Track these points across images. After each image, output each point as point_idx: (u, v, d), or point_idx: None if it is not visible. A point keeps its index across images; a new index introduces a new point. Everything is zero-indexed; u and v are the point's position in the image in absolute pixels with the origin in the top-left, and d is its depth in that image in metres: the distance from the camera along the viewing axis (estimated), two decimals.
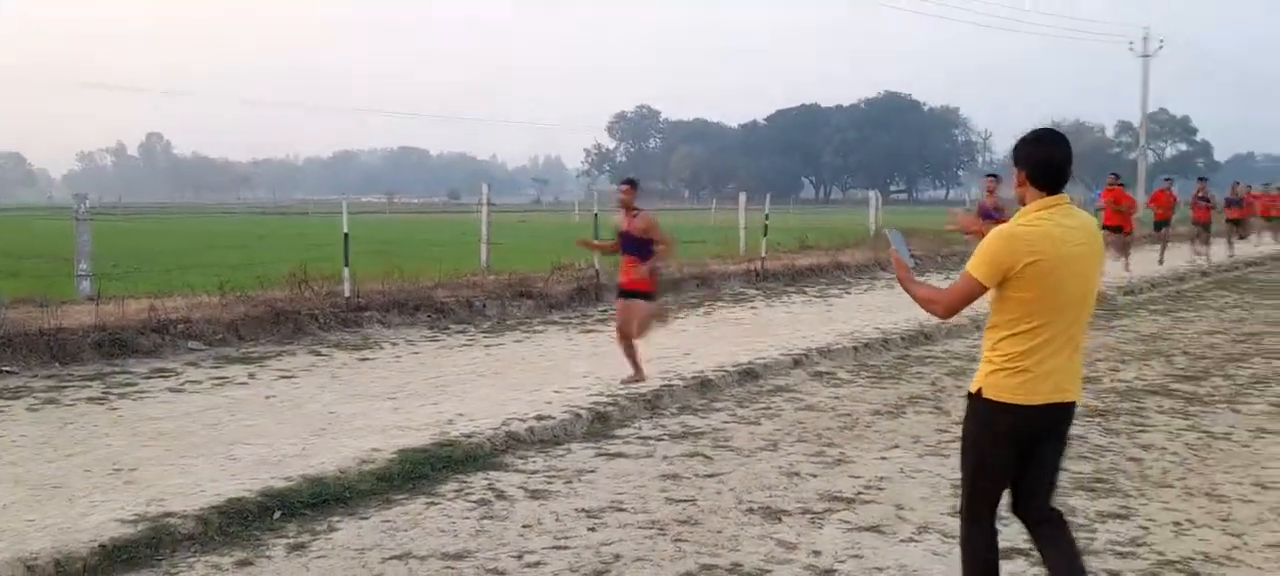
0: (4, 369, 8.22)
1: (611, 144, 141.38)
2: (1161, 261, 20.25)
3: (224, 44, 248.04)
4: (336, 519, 5.20)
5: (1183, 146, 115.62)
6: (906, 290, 3.51)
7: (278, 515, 5.20)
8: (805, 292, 15.17)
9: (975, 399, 3.38)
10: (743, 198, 19.37)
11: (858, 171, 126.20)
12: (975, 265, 3.25)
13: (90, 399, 7.50)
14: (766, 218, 16.97)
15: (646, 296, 8.22)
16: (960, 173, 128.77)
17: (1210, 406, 7.70)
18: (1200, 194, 21.83)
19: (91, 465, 5.79)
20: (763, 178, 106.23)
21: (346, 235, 11.14)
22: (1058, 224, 3.23)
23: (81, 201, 11.57)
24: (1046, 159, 3.27)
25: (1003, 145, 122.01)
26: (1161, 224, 21.55)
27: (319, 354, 9.51)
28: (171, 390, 7.87)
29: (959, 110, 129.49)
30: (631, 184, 8.32)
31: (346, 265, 11.03)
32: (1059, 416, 3.35)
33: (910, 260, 3.59)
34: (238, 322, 9.92)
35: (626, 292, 8.27)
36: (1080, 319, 3.30)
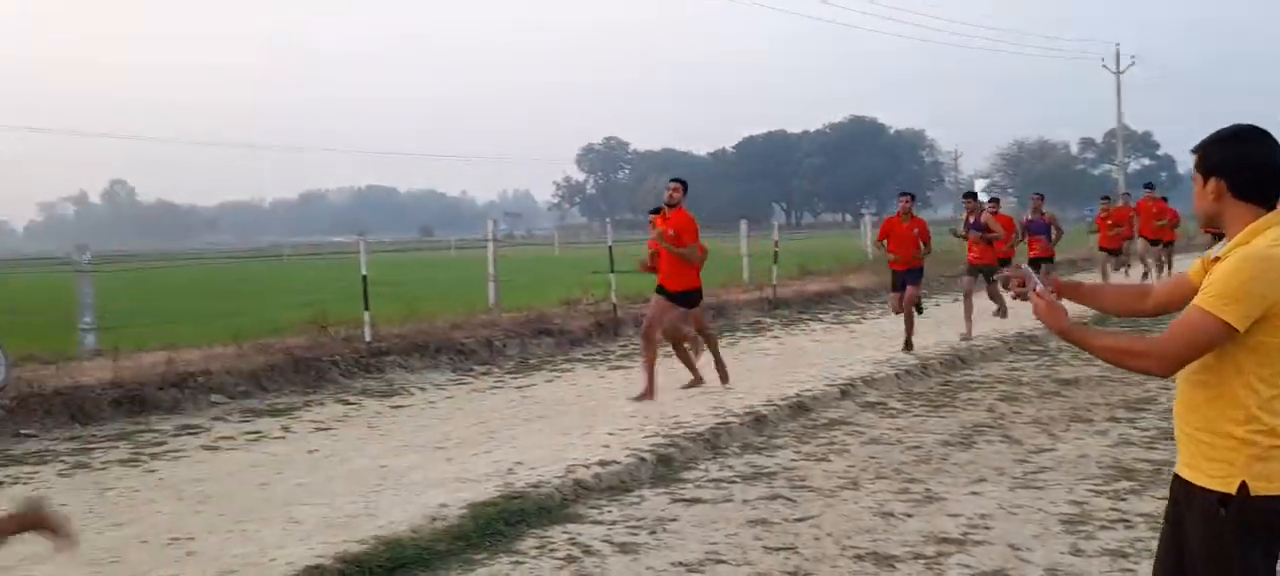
0: (22, 431, 7.77)
1: (581, 176, 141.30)
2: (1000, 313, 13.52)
3: (184, 85, 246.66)
4: None
5: (1146, 161, 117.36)
6: (1078, 343, 2.59)
7: None
8: (821, 320, 14.95)
9: (1238, 502, 2.41)
10: (743, 225, 19.19)
11: (828, 195, 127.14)
12: (1220, 301, 2.38)
13: (122, 461, 7.08)
14: (776, 245, 16.77)
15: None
16: (929, 194, 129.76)
17: None
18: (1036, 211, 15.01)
19: (146, 535, 5.40)
20: (734, 205, 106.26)
21: (365, 277, 10.77)
22: None
23: (83, 252, 11.13)
24: (1261, 161, 2.49)
25: (972, 165, 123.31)
26: (982, 270, 12.86)
27: (347, 402, 9.12)
28: (205, 448, 7.46)
29: (924, 132, 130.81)
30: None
31: (367, 308, 10.65)
32: None
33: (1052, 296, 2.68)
34: (259, 373, 9.52)
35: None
36: None
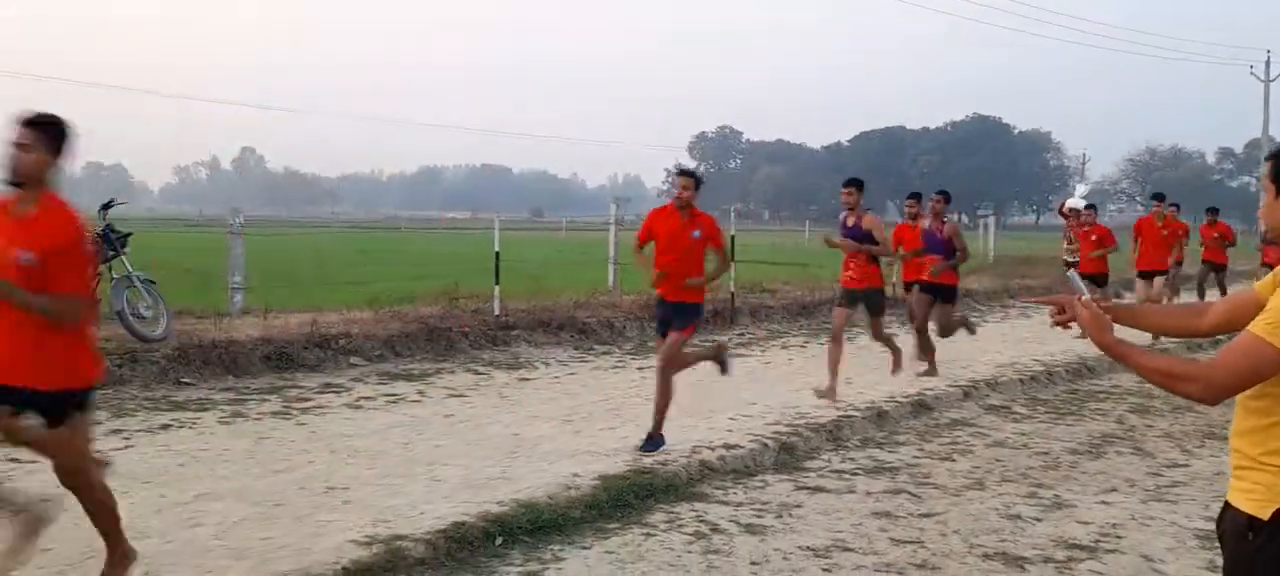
0: (182, 380, 8.34)
1: (692, 164, 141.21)
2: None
3: (310, 60, 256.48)
4: (557, 547, 5.08)
5: None
6: (1120, 359, 2.40)
7: (499, 541, 5.10)
8: None
9: (1270, 529, 2.25)
10: None
11: None
12: (1278, 329, 2.20)
13: (274, 413, 7.55)
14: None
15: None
16: (1051, 198, 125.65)
17: None
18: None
19: (304, 482, 5.78)
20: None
21: (498, 254, 11.15)
22: None
23: (236, 216, 11.78)
24: None
25: (1100, 170, 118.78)
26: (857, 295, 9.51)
27: (477, 372, 9.49)
28: (349, 406, 7.89)
29: (1050, 134, 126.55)
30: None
31: (497, 283, 11.03)
32: None
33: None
34: (394, 339, 9.96)
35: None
36: None
